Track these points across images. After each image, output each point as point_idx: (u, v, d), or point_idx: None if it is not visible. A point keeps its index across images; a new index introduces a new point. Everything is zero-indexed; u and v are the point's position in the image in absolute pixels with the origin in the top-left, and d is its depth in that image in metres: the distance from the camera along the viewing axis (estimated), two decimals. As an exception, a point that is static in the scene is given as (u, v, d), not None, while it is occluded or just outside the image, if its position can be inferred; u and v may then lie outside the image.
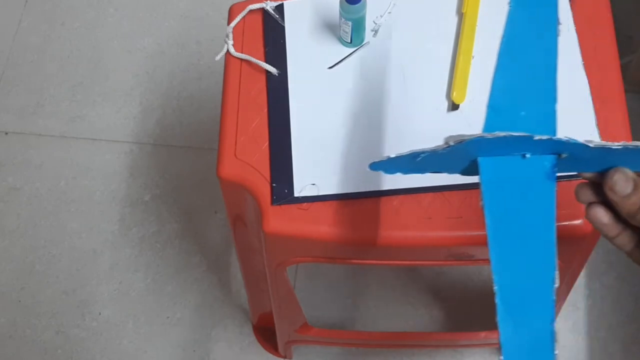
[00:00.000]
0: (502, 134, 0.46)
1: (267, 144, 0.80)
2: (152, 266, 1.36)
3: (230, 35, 0.86)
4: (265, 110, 0.82)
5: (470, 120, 0.78)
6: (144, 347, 1.30)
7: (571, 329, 1.27)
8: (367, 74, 0.82)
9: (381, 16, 0.84)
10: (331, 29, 0.85)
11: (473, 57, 0.81)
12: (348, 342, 1.25)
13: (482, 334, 1.19)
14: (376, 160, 0.50)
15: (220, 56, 0.85)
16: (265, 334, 1.28)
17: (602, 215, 0.49)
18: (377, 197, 0.77)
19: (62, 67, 1.54)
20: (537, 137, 0.46)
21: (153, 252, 1.37)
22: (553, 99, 0.50)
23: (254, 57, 0.84)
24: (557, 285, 0.46)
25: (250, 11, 0.87)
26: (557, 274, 0.46)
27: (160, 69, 1.52)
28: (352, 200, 0.77)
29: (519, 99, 0.50)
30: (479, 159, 0.48)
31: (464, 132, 0.48)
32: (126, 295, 1.34)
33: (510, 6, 0.51)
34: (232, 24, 0.86)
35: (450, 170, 0.50)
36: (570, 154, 0.47)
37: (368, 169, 0.51)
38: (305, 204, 0.77)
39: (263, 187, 0.78)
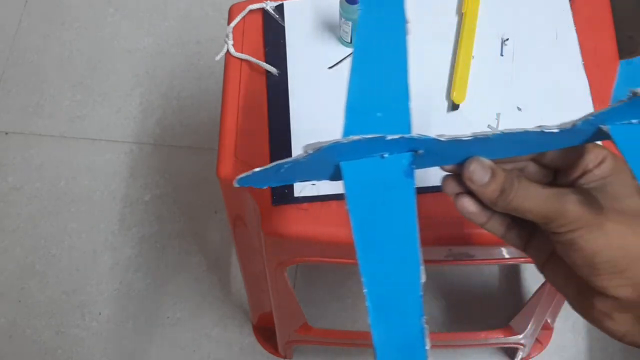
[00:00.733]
0: (355, 137, 0.46)
1: (267, 144, 0.80)
2: (152, 266, 1.36)
3: (230, 35, 0.86)
4: (265, 110, 0.82)
5: (470, 120, 0.78)
6: (144, 347, 1.30)
7: (571, 329, 1.27)
8: (367, 74, 0.82)
9: (381, 16, 0.84)
10: (331, 29, 0.85)
11: (473, 57, 0.81)
12: (348, 342, 1.25)
13: (482, 334, 1.19)
14: (241, 179, 0.50)
15: (220, 56, 0.85)
16: (265, 334, 1.28)
17: (468, 204, 0.50)
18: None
19: (62, 67, 1.54)
20: (389, 137, 0.47)
21: (153, 252, 1.37)
22: (406, 98, 0.50)
23: (254, 57, 0.84)
24: (423, 280, 0.46)
25: (250, 11, 0.87)
26: (422, 269, 0.47)
27: (160, 69, 1.52)
28: (352, 200, 0.77)
29: (374, 100, 0.51)
30: (341, 164, 0.48)
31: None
32: (126, 295, 1.34)
33: (360, 9, 0.52)
34: (232, 24, 0.86)
35: (318, 178, 0.50)
36: (426, 150, 0.48)
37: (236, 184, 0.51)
38: (305, 204, 0.77)
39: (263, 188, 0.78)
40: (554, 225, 0.46)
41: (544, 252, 0.51)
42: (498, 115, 0.79)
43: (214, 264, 1.35)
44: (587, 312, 0.49)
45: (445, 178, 0.50)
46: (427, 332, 0.47)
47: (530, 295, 1.14)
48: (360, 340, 1.24)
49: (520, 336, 1.15)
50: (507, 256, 0.84)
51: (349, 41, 0.82)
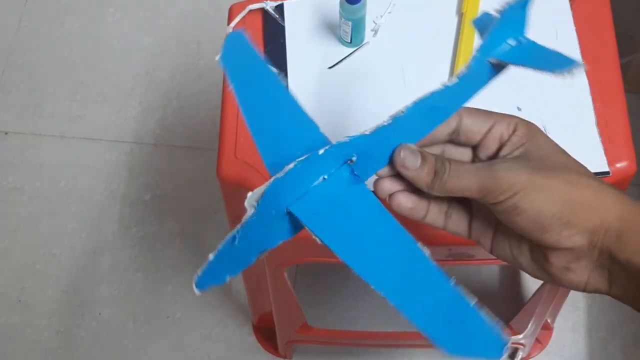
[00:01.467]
0: (290, 166, 0.47)
1: (267, 144, 0.80)
2: (152, 266, 1.36)
3: (230, 35, 0.85)
4: (265, 110, 0.82)
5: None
6: (144, 347, 1.30)
7: (571, 328, 1.27)
8: (367, 74, 0.82)
9: (381, 16, 0.84)
10: (331, 29, 0.85)
11: (473, 57, 0.81)
12: (348, 342, 1.25)
13: (482, 334, 1.19)
14: (200, 278, 0.50)
15: (220, 56, 0.85)
16: (265, 334, 1.28)
17: (405, 200, 0.51)
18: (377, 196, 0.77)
19: (62, 67, 1.54)
20: (321, 151, 0.47)
21: (153, 252, 1.37)
22: (308, 122, 0.51)
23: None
24: (428, 253, 0.48)
25: (250, 11, 0.87)
26: (421, 245, 0.48)
27: (160, 69, 1.52)
28: (352, 200, 0.77)
29: (283, 140, 0.51)
30: (290, 209, 0.48)
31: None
32: (126, 295, 1.34)
33: (226, 72, 0.54)
34: (232, 24, 0.86)
35: (277, 239, 0.50)
36: (358, 153, 0.48)
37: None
38: (305, 204, 0.77)
39: (263, 187, 0.78)
40: (492, 196, 0.47)
41: (488, 231, 0.52)
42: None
43: (214, 264, 1.35)
44: (546, 272, 0.50)
45: (375, 182, 0.51)
46: (463, 291, 0.48)
47: (530, 295, 1.14)
48: (360, 340, 1.24)
49: (520, 336, 1.15)
50: (507, 256, 0.84)
51: (349, 41, 0.83)
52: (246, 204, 0.47)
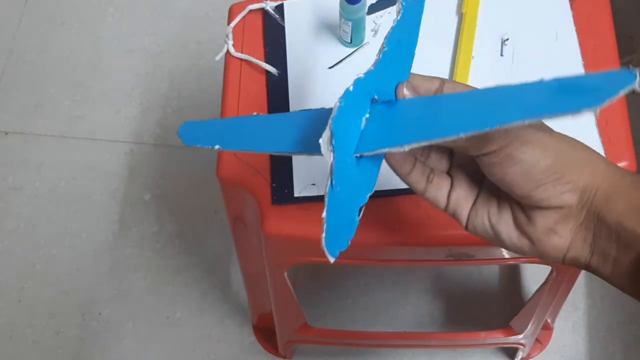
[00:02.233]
0: (336, 104, 0.49)
1: (267, 144, 0.80)
2: (152, 266, 1.36)
3: (230, 35, 0.86)
4: (265, 110, 0.82)
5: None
6: (144, 347, 1.31)
7: (571, 329, 1.27)
8: (367, 74, 0.82)
9: (381, 16, 0.84)
10: (331, 29, 0.85)
11: (473, 57, 0.81)
12: (348, 342, 1.25)
13: (482, 334, 1.19)
14: (327, 244, 0.50)
15: (220, 56, 0.85)
16: (265, 334, 1.28)
17: (396, 152, 0.51)
18: (377, 197, 0.77)
19: (62, 67, 1.54)
20: (350, 87, 0.50)
21: (153, 252, 1.37)
22: (300, 114, 0.55)
23: (254, 57, 0.84)
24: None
25: (250, 11, 0.87)
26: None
27: (160, 69, 1.52)
28: (352, 200, 0.77)
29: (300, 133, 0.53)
30: (360, 152, 0.49)
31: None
32: (126, 295, 1.34)
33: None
34: (232, 24, 0.86)
35: (366, 191, 0.51)
36: (377, 91, 0.51)
37: None
38: (305, 204, 0.77)
39: (263, 188, 0.78)
40: (487, 142, 0.47)
41: (466, 201, 0.52)
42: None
43: (214, 264, 1.35)
44: (528, 237, 0.49)
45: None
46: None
47: (530, 295, 1.14)
48: (360, 340, 1.24)
49: (521, 336, 1.15)
50: (507, 256, 0.84)
51: (349, 41, 0.83)
52: (323, 152, 0.47)
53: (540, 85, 0.46)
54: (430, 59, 0.82)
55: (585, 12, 0.84)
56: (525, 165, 0.47)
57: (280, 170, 0.78)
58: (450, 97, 0.50)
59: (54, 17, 1.59)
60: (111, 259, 1.36)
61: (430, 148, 0.53)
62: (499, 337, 1.18)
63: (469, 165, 0.52)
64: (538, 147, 0.47)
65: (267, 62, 0.84)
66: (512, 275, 1.32)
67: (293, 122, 0.53)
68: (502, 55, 0.82)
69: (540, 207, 0.48)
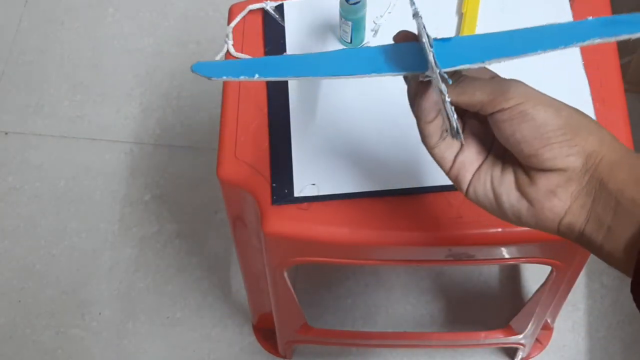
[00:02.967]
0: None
1: (267, 144, 0.80)
2: (152, 266, 1.36)
3: (230, 35, 0.86)
4: (265, 110, 0.82)
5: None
6: (144, 347, 1.30)
7: (571, 329, 1.27)
8: (367, 74, 0.82)
9: (381, 16, 0.84)
10: (331, 29, 0.85)
11: (473, 57, 0.81)
12: (348, 342, 1.25)
13: (482, 334, 1.19)
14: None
15: (220, 56, 0.85)
16: (266, 334, 1.28)
17: (430, 95, 0.52)
18: (377, 197, 0.77)
19: (62, 67, 1.54)
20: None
21: (153, 252, 1.37)
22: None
23: (254, 57, 0.84)
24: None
25: (250, 11, 0.87)
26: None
27: (160, 69, 1.52)
28: (352, 200, 0.77)
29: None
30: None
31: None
32: (126, 295, 1.34)
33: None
34: (232, 24, 0.86)
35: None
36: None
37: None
38: (305, 204, 0.77)
39: (263, 187, 0.78)
40: (503, 99, 0.49)
41: (472, 164, 0.53)
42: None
43: (214, 264, 1.35)
44: (528, 199, 0.51)
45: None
46: None
47: (530, 295, 1.14)
48: (360, 340, 1.24)
49: (521, 336, 1.15)
50: (507, 256, 0.84)
51: (349, 41, 0.82)
52: (430, 67, 0.50)
53: (588, 22, 0.52)
54: (430, 59, 0.82)
55: (585, 12, 0.84)
56: (537, 122, 0.48)
57: (280, 170, 0.78)
58: (509, 31, 0.52)
59: (54, 17, 1.59)
60: (111, 259, 1.36)
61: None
62: (499, 337, 1.18)
63: (478, 134, 0.54)
64: (552, 108, 0.49)
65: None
66: (512, 275, 1.32)
67: (352, 54, 0.55)
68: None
69: (544, 169, 0.49)
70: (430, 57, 0.49)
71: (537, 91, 0.50)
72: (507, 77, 0.53)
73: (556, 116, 0.49)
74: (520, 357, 1.24)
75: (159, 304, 1.33)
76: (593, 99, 0.79)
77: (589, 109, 0.78)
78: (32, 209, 1.41)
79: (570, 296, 1.04)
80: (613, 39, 0.49)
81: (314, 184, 0.77)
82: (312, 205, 0.77)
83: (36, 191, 1.43)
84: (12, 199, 1.42)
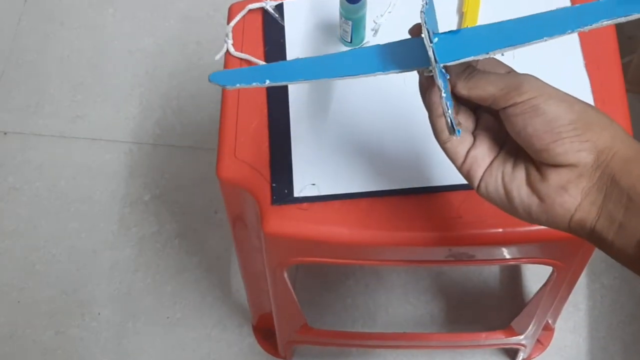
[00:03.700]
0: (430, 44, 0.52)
1: (267, 144, 0.80)
2: (152, 266, 1.35)
3: (230, 35, 0.85)
4: (265, 110, 0.82)
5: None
6: (144, 347, 1.30)
7: (572, 329, 1.27)
8: (367, 73, 0.82)
9: (381, 16, 0.84)
10: (331, 28, 0.84)
11: (473, 57, 0.81)
12: (348, 343, 1.25)
13: (483, 335, 1.19)
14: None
15: (220, 56, 0.85)
16: (265, 334, 1.28)
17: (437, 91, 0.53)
18: (377, 197, 0.77)
19: (62, 67, 1.54)
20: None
21: (153, 252, 1.37)
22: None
23: (253, 56, 0.84)
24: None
25: (250, 11, 0.87)
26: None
27: (160, 69, 1.52)
28: (352, 200, 0.77)
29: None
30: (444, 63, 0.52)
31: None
32: (126, 295, 1.34)
33: None
34: (232, 24, 0.86)
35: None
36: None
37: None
38: (305, 204, 0.77)
39: (263, 187, 0.78)
40: (516, 93, 0.49)
41: (484, 160, 0.53)
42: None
43: (214, 264, 1.35)
44: (539, 195, 0.50)
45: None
46: None
47: (531, 296, 1.14)
48: (360, 340, 1.24)
49: (521, 337, 1.15)
50: (507, 256, 0.84)
51: (349, 41, 0.82)
52: (432, 61, 0.50)
53: (599, 2, 0.50)
54: (430, 59, 0.82)
55: (586, 11, 0.83)
56: (549, 117, 0.48)
57: (280, 170, 0.78)
58: (516, 19, 0.53)
59: (54, 17, 1.59)
60: (111, 259, 1.36)
61: (459, 105, 0.54)
62: (499, 338, 1.18)
63: (491, 130, 0.54)
64: (564, 102, 0.49)
65: (267, 61, 0.84)
66: (512, 275, 1.32)
67: (356, 54, 0.56)
68: (502, 55, 0.81)
69: (555, 165, 0.49)
70: (430, 52, 0.50)
71: (551, 86, 0.50)
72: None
73: (569, 111, 0.49)
74: (521, 357, 1.23)
75: (159, 304, 1.33)
76: (594, 99, 0.79)
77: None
78: (32, 209, 1.41)
79: (571, 297, 1.04)
80: (623, 19, 0.48)
81: (314, 184, 0.77)
82: (312, 205, 0.76)
83: (36, 191, 1.43)
84: (12, 199, 1.42)
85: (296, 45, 0.84)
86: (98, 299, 1.34)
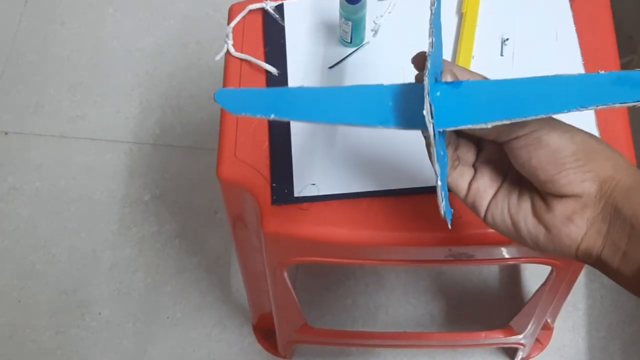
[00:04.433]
0: (426, 81, 0.51)
1: (267, 144, 0.80)
2: (152, 266, 1.36)
3: (230, 35, 0.86)
4: (265, 110, 0.82)
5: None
6: (144, 347, 1.30)
7: (571, 329, 1.27)
8: (367, 74, 0.82)
9: (381, 16, 0.84)
10: (331, 29, 0.85)
11: (473, 57, 0.81)
12: (348, 342, 1.25)
13: (482, 334, 1.19)
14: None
15: (220, 56, 0.85)
16: (266, 334, 1.28)
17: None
18: (377, 197, 0.77)
19: (62, 67, 1.54)
20: (425, 72, 0.51)
21: (153, 252, 1.37)
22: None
23: (254, 57, 0.84)
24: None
25: (250, 11, 0.87)
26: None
27: (160, 69, 1.52)
28: (352, 200, 0.77)
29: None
30: (443, 128, 0.51)
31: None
32: (126, 295, 1.34)
33: None
34: (232, 24, 0.86)
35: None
36: (435, 73, 0.52)
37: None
38: (305, 204, 0.77)
39: (263, 187, 0.78)
40: (519, 126, 0.50)
41: (488, 191, 0.54)
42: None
43: (214, 264, 1.35)
44: (545, 225, 0.51)
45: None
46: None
47: (530, 295, 1.14)
48: (360, 340, 1.24)
49: (521, 336, 1.15)
50: (507, 256, 0.84)
51: (349, 41, 0.82)
52: (427, 125, 0.50)
53: (598, 76, 0.49)
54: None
55: (585, 12, 0.84)
56: (552, 148, 0.49)
57: (280, 170, 0.78)
58: (515, 81, 0.52)
59: (54, 17, 1.59)
60: (111, 259, 1.36)
61: (459, 138, 0.55)
62: (499, 337, 1.18)
63: (494, 161, 0.54)
64: (567, 134, 0.50)
65: (267, 62, 0.84)
66: (512, 275, 1.32)
67: (360, 95, 0.55)
68: (502, 55, 0.82)
69: (560, 195, 0.50)
70: (430, 129, 0.50)
71: (553, 118, 0.50)
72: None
73: (571, 142, 0.49)
74: (520, 357, 1.24)
75: (159, 304, 1.33)
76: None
77: (589, 112, 0.78)
78: (32, 209, 1.41)
79: (570, 296, 1.04)
80: (625, 105, 0.47)
81: (314, 184, 0.77)
82: (312, 205, 0.77)
83: (36, 191, 1.43)
84: (12, 199, 1.42)
85: (296, 46, 0.84)
86: (98, 299, 1.34)
